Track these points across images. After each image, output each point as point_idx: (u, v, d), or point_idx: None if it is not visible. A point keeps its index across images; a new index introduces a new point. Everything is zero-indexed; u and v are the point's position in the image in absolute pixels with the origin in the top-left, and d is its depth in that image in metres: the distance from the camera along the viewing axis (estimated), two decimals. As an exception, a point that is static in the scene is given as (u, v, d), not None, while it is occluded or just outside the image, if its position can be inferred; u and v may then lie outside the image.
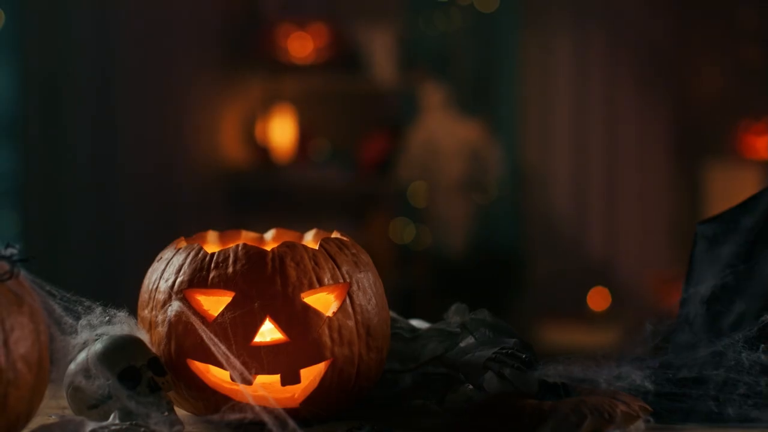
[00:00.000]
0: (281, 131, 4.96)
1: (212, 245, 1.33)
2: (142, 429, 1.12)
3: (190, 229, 1.41)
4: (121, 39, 4.71)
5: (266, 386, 1.19)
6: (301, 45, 4.89)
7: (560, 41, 5.40)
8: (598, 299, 5.29)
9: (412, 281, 5.02)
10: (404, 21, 5.26)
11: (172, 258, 1.25)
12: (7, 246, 1.08)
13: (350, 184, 5.03)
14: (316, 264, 1.22)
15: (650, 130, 5.50)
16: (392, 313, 1.37)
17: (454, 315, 1.40)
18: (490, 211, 5.29)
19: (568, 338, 4.94)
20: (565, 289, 5.29)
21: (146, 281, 1.26)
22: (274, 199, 4.97)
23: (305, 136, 5.02)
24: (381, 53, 4.98)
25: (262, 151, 4.96)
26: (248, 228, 1.41)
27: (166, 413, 1.15)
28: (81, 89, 4.66)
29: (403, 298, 4.74)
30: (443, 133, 5.03)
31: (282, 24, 4.89)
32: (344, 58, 4.97)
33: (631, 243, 5.50)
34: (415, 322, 1.44)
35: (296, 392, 1.22)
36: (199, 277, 1.21)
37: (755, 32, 5.47)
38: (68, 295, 1.18)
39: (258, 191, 4.96)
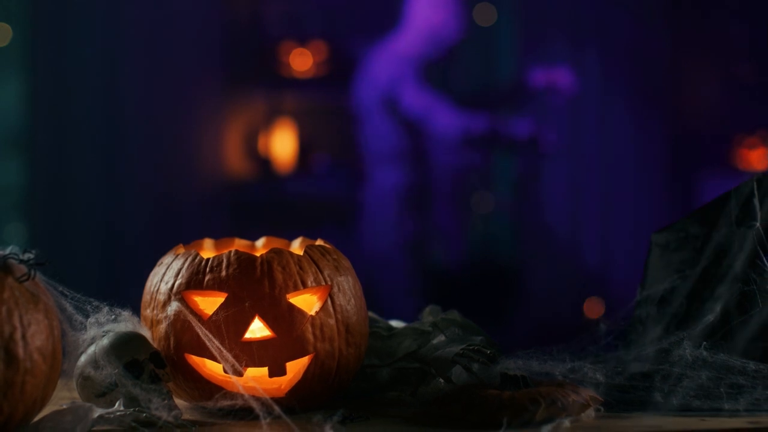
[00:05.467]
0: (282, 144, 5.07)
1: (208, 251, 1.44)
2: (144, 414, 1.24)
3: (193, 238, 1.49)
4: (127, 54, 4.81)
5: (255, 378, 1.30)
6: (302, 60, 5.01)
7: (557, 55, 5.48)
8: (593, 309, 5.38)
9: (411, 290, 5.10)
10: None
11: (171, 263, 1.36)
12: (25, 251, 1.21)
13: (350, 195, 5.12)
14: (301, 268, 1.34)
15: (646, 143, 5.56)
16: (371, 314, 1.49)
17: (428, 315, 1.53)
18: (489, 223, 5.37)
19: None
20: (562, 299, 5.36)
21: (148, 284, 1.37)
22: (274, 210, 5.05)
23: (305, 148, 5.12)
24: (379, 68, 5.09)
25: (263, 164, 5.06)
26: (249, 237, 1.51)
27: (166, 401, 1.27)
28: (88, 103, 4.76)
29: (402, 307, 4.82)
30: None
31: (283, 41, 5.01)
32: (343, 72, 5.07)
33: (626, 254, 5.57)
34: (393, 322, 1.56)
35: (282, 383, 1.33)
36: (196, 280, 1.33)
37: (747, 48, 5.56)
38: (78, 296, 1.29)
39: (259, 202, 5.05)
